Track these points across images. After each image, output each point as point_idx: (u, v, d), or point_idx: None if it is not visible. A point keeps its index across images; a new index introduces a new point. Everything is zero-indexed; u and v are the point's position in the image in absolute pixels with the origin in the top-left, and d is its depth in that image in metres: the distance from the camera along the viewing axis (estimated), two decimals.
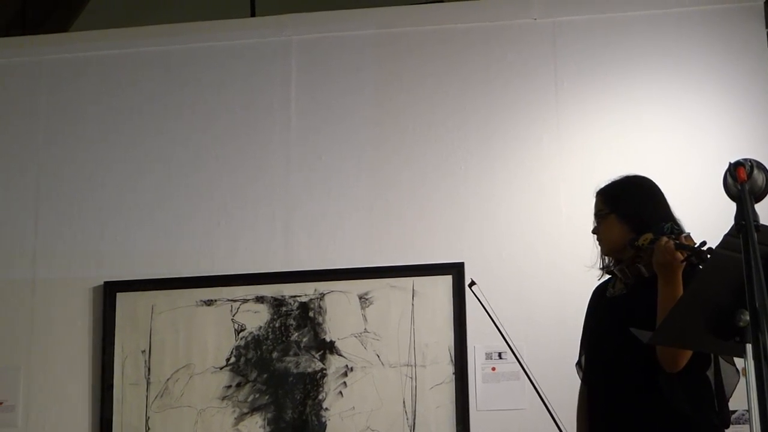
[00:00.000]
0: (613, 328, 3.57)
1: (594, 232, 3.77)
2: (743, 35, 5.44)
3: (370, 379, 5.32)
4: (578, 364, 3.84)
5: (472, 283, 3.85)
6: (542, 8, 5.63)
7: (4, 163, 5.84)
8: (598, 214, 3.76)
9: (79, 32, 6.56)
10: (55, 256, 5.68)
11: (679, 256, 3.33)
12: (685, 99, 5.40)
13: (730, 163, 2.70)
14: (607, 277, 3.83)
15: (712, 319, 2.82)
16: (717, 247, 2.79)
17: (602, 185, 3.80)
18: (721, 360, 3.51)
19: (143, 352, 5.49)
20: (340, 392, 5.32)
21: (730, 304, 2.75)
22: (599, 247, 3.77)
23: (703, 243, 3.31)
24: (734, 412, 4.92)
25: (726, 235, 2.70)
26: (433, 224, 5.45)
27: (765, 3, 5.43)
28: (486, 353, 5.24)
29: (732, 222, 2.62)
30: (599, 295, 3.81)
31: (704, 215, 4.75)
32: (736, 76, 5.39)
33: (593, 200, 3.80)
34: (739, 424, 4.91)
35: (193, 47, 5.86)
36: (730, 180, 2.69)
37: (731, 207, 2.69)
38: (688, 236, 3.49)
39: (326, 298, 5.42)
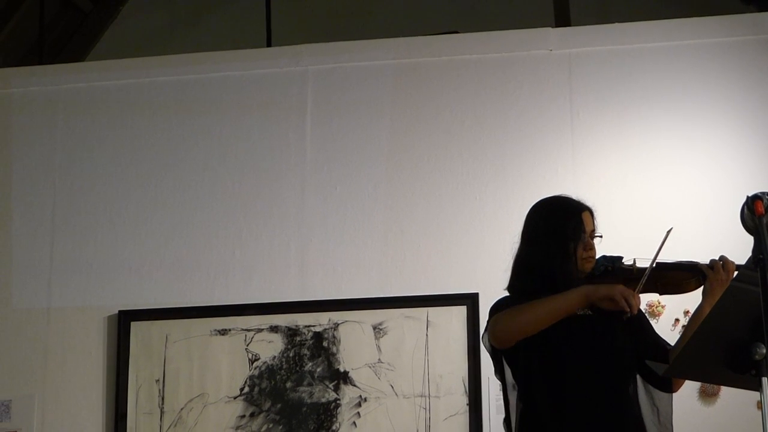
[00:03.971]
0: (612, 347, 3.47)
1: (591, 249, 3.55)
2: (759, 67, 5.43)
3: (384, 410, 5.30)
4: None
5: (670, 229, 3.58)
6: (558, 40, 5.64)
7: (20, 191, 5.85)
8: (596, 236, 3.58)
9: (96, 62, 6.61)
10: (70, 285, 5.68)
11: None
12: (701, 131, 5.38)
13: (748, 197, 2.71)
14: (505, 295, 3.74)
15: (727, 352, 2.82)
16: (733, 280, 2.80)
17: (586, 202, 3.64)
18: None
19: (157, 381, 5.48)
20: (354, 423, 5.31)
21: (746, 338, 2.75)
22: (585, 266, 3.53)
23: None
24: None
25: (742, 268, 2.70)
26: (448, 255, 5.44)
27: None
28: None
29: (748, 255, 2.63)
30: None
31: (720, 248, 4.73)
32: (753, 109, 5.38)
33: (589, 217, 3.59)
34: None
35: (209, 77, 5.87)
36: (747, 213, 2.70)
37: (747, 240, 2.69)
38: None
39: (340, 328, 5.42)
